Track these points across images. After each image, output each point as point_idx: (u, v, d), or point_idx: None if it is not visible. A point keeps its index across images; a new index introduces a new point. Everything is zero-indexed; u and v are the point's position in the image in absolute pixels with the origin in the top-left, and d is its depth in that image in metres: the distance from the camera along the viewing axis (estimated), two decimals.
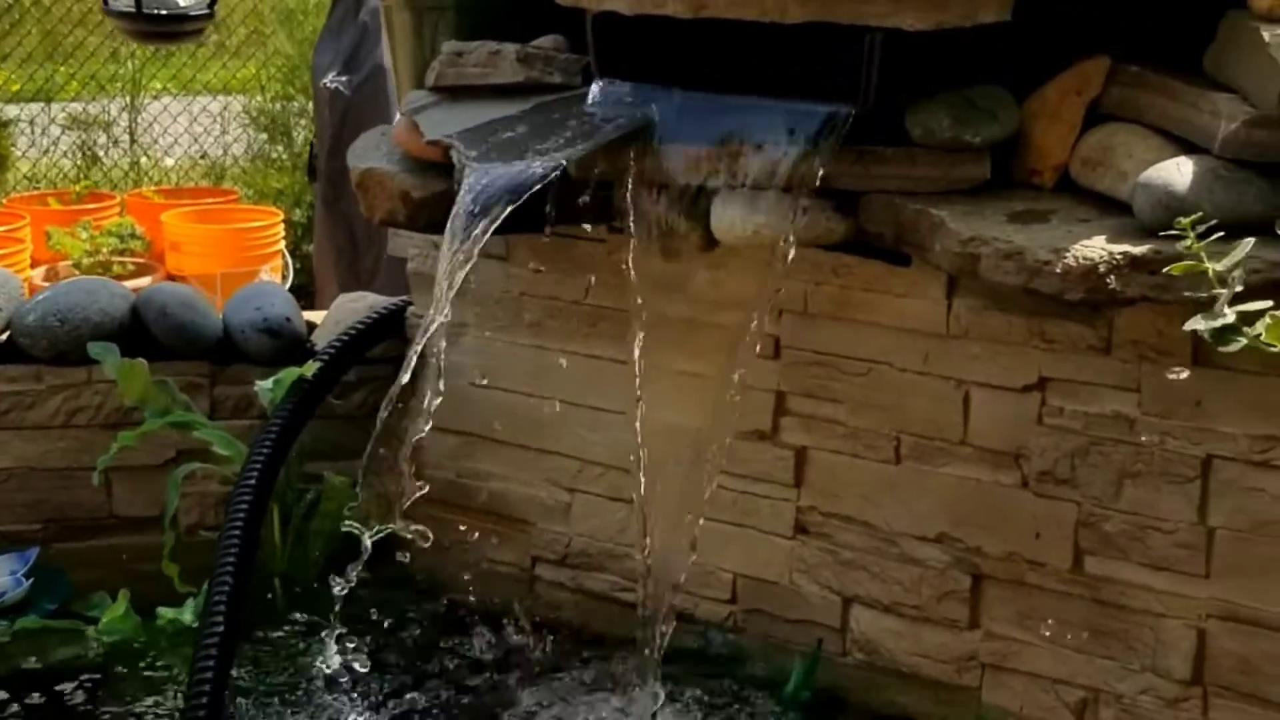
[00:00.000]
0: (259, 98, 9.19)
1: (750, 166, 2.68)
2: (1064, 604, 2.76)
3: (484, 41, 3.01)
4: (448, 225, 2.64)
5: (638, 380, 2.90)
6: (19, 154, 8.63)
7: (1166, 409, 2.61)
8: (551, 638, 3.25)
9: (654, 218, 2.83)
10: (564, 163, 2.64)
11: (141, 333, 3.41)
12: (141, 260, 6.64)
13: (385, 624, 3.23)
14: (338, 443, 3.38)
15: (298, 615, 3.26)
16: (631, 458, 2.94)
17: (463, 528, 3.41)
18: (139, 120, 9.35)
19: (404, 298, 3.49)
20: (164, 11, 3.40)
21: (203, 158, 9.30)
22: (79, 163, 9.00)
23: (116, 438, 3.22)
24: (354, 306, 3.53)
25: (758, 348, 2.83)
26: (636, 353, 2.88)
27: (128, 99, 9.40)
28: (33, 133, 9.05)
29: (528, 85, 2.96)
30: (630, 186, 2.82)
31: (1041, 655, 2.79)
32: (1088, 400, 2.69)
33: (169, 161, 9.26)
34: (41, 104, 9.31)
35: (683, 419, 2.89)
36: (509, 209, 2.57)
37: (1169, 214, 2.31)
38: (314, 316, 3.65)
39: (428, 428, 2.84)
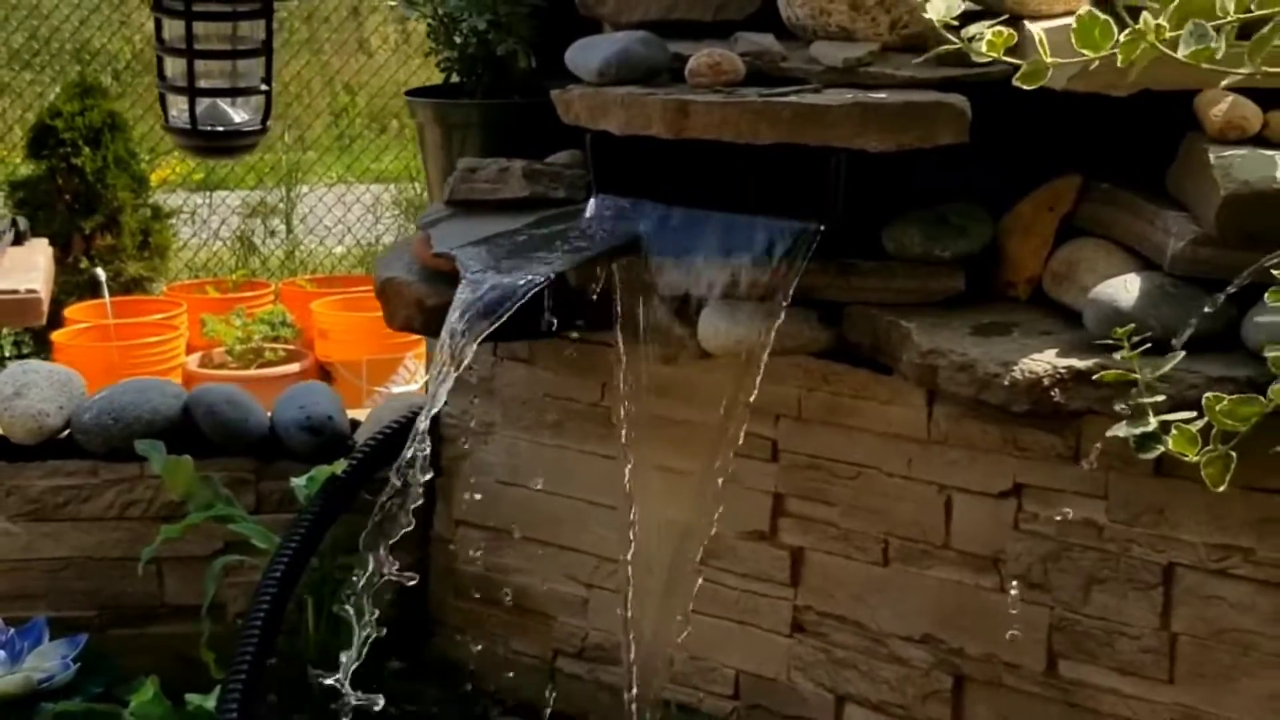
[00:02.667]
0: (410, 189, 9.51)
1: (731, 279, 2.81)
2: (1039, 706, 2.81)
3: (495, 159, 3.17)
4: (442, 332, 2.79)
5: (626, 477, 3.03)
6: (180, 243, 8.98)
7: (1131, 516, 2.67)
8: None
9: (646, 325, 2.96)
10: (550, 276, 2.78)
11: (192, 430, 3.61)
12: (292, 347, 6.92)
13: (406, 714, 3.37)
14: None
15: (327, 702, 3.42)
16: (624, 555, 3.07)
17: (490, 621, 3.54)
18: (296, 210, 9.74)
19: None
20: (220, 128, 3.58)
21: (358, 246, 9.60)
22: (237, 251, 9.37)
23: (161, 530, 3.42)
24: (395, 405, 3.69)
25: (732, 449, 2.93)
26: (624, 451, 3.01)
27: (284, 189, 9.80)
28: (194, 222, 9.45)
29: (533, 200, 3.11)
30: (624, 296, 2.97)
31: None
32: (1059, 506, 2.76)
33: (336, 249, 9.58)
34: (205, 193, 9.73)
35: (674, 515, 3.01)
36: (500, 318, 2.71)
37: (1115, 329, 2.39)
38: (359, 414, 3.82)
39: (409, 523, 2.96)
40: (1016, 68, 2.72)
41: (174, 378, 6.33)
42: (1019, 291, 2.82)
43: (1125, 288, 2.52)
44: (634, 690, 3.09)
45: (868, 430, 2.97)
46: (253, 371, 6.63)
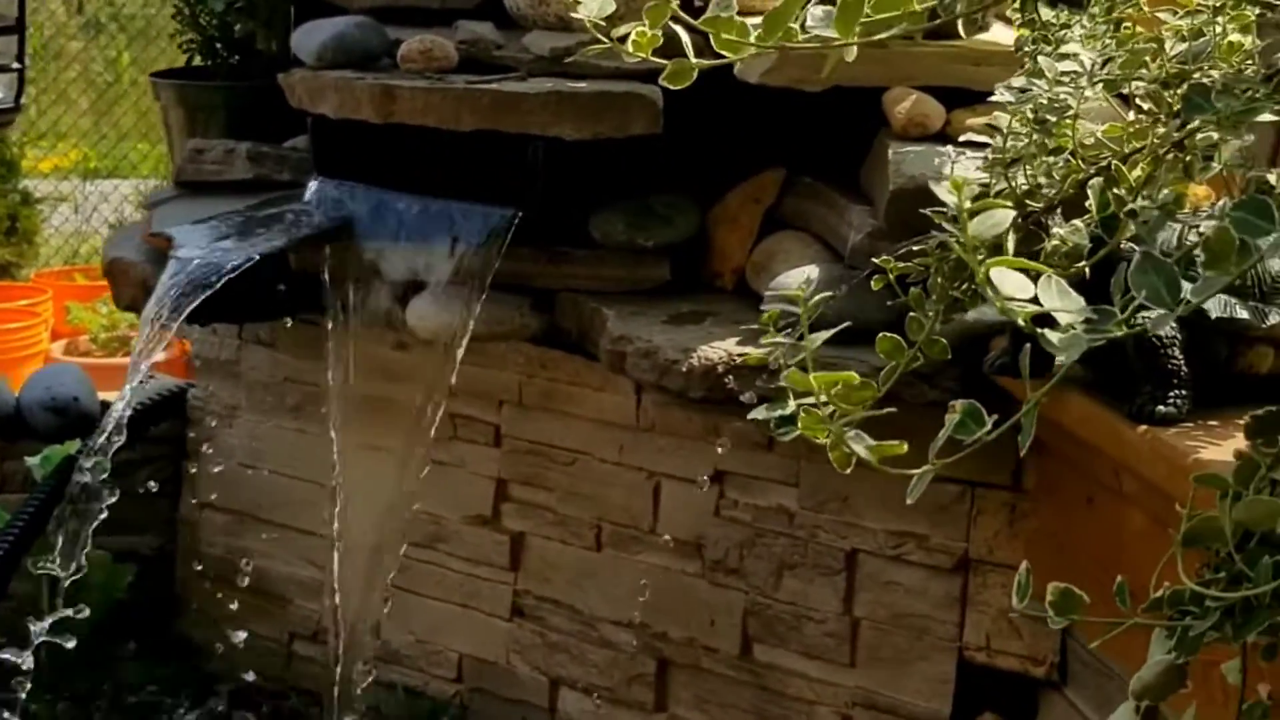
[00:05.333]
0: None
1: (435, 264, 2.83)
2: (735, 689, 2.86)
3: (223, 140, 3.18)
4: (143, 311, 2.79)
5: (334, 454, 3.06)
6: (52, 230, 8.82)
7: (819, 503, 2.73)
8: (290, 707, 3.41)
9: (362, 310, 2.98)
10: (255, 257, 2.79)
11: None
12: None
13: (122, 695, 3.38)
14: (118, 518, 3.51)
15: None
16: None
17: (230, 603, 3.54)
18: None
19: (187, 381, 3.65)
20: None
21: None
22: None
23: None
24: (145, 387, 3.67)
25: (433, 431, 2.96)
26: (332, 431, 3.03)
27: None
28: (80, 209, 9.31)
29: (259, 182, 3.13)
30: (342, 280, 2.98)
31: None
32: (756, 493, 2.81)
33: None
34: (106, 181, 9.57)
35: (386, 497, 3.04)
36: (195, 300, 2.72)
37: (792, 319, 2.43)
38: (112, 395, 3.80)
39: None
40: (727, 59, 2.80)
41: (36, 365, 6.24)
42: (725, 281, 2.87)
43: (804, 279, 2.56)
44: (339, 668, 3.11)
45: (582, 417, 3.01)
46: (119, 360, 6.53)
